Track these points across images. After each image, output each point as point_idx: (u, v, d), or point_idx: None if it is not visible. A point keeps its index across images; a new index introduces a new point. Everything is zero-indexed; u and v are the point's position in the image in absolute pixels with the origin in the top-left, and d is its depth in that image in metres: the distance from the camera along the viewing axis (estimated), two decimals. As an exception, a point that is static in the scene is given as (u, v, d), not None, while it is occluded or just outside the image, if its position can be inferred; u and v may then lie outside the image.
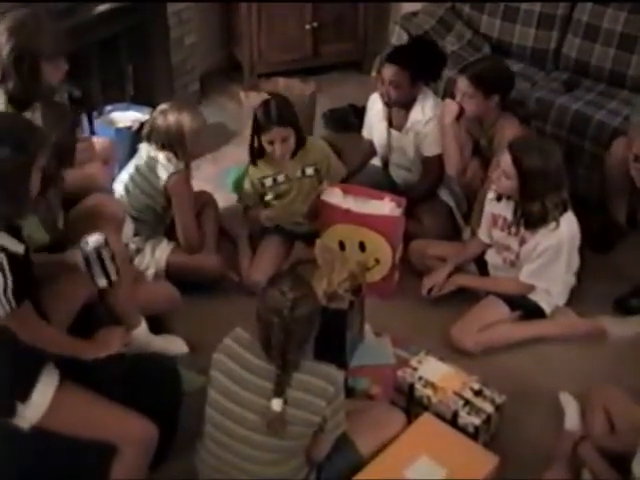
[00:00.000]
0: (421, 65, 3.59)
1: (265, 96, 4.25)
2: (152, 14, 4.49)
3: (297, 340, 2.28)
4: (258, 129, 3.42)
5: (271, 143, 3.40)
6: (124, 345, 2.48)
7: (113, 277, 2.49)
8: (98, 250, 2.43)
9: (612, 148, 3.67)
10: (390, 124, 3.79)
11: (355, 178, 3.90)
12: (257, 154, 3.51)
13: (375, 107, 3.85)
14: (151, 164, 3.35)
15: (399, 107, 3.71)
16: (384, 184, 3.83)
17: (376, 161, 4.02)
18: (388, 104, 3.71)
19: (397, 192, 3.66)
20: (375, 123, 3.88)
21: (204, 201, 3.80)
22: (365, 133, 4.01)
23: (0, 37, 2.88)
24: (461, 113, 3.49)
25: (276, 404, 2.27)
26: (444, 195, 3.81)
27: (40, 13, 3.04)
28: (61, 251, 2.60)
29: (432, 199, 3.80)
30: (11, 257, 2.14)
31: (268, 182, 3.56)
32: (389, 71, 3.57)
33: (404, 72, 3.54)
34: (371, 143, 3.97)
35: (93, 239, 2.43)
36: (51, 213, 2.77)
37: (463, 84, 3.43)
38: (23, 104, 2.82)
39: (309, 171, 3.56)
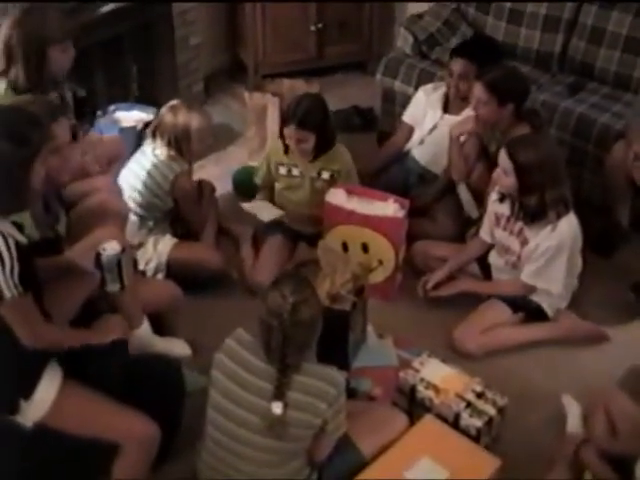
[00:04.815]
0: (485, 58, 3.70)
1: (269, 97, 4.28)
2: (157, 14, 4.49)
3: (297, 344, 2.27)
4: (283, 120, 3.44)
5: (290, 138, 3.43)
6: (124, 333, 2.48)
7: (127, 283, 2.45)
8: (118, 258, 2.38)
9: (613, 151, 3.67)
10: (445, 111, 3.89)
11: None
12: (284, 143, 3.51)
13: (434, 95, 3.93)
14: (158, 165, 3.38)
15: (462, 99, 3.78)
16: (399, 184, 3.86)
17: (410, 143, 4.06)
18: (452, 95, 3.80)
19: (407, 194, 3.68)
20: (427, 110, 3.94)
21: (204, 191, 3.81)
22: (407, 119, 4.06)
23: (8, 28, 2.91)
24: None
25: (276, 407, 2.26)
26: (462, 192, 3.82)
27: (44, 3, 3.07)
28: (57, 253, 2.56)
29: (446, 198, 3.82)
30: (16, 244, 2.13)
31: (282, 170, 3.58)
32: (458, 64, 3.72)
33: (471, 65, 3.67)
34: (409, 128, 4.03)
35: (112, 246, 2.38)
36: (51, 214, 2.76)
37: (478, 90, 3.44)
38: (24, 93, 2.83)
39: (325, 175, 3.56)
